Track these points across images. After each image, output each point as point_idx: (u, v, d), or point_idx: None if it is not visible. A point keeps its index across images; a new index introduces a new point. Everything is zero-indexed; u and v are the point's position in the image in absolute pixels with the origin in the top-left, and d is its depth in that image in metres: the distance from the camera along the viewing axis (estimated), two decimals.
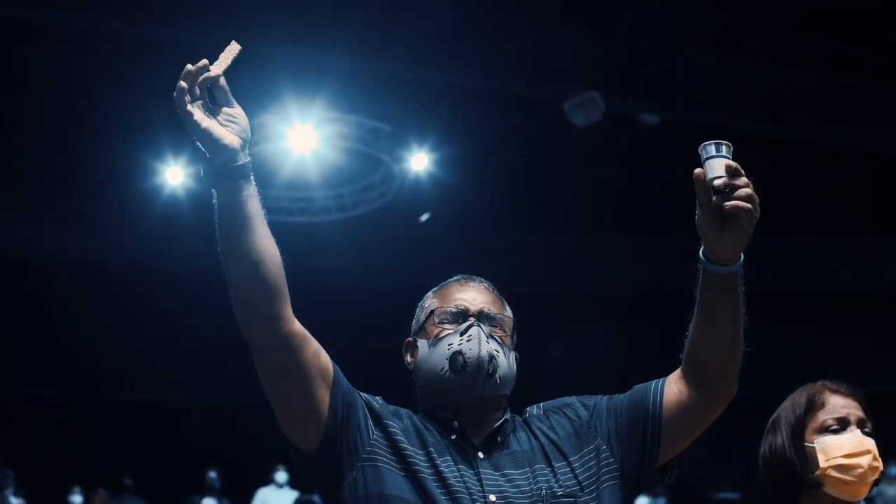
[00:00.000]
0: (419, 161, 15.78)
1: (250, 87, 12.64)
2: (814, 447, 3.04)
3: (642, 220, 17.62)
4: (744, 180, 2.42)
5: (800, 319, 18.38)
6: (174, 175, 15.41)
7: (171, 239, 16.12)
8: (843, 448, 3.01)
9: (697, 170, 2.44)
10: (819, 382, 3.16)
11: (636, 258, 18.34)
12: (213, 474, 15.00)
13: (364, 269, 17.70)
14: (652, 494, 15.56)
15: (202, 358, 16.45)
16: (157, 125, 13.74)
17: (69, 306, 17.18)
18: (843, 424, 3.05)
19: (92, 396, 18.02)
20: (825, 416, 3.07)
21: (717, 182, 2.41)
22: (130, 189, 15.77)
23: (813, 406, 3.09)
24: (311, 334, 2.58)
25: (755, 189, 2.44)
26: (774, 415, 3.17)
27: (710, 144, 2.44)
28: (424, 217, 17.87)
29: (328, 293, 17.47)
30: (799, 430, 3.08)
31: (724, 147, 2.44)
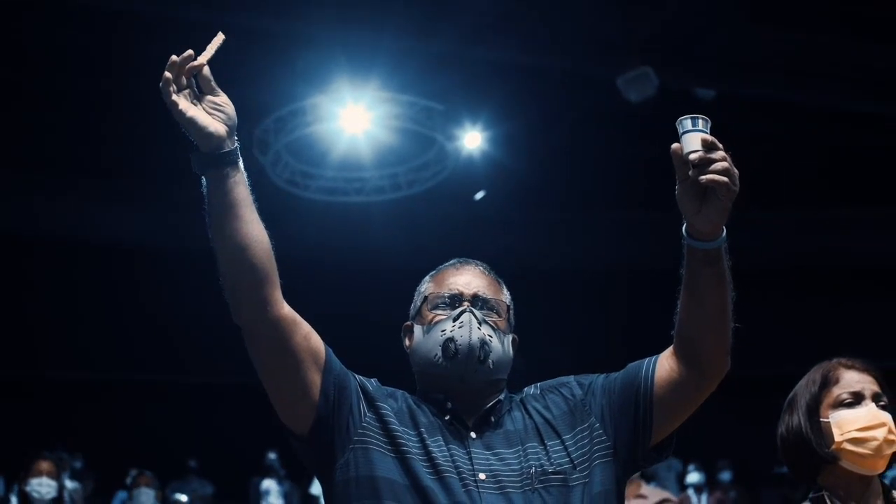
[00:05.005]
0: (472, 139, 15.76)
1: (303, 68, 12.69)
2: (829, 422, 3.05)
3: None
4: (720, 154, 2.39)
5: (855, 294, 18.24)
6: None
7: None
8: (858, 421, 3.02)
9: (675, 145, 2.42)
10: (834, 359, 3.16)
11: None
12: (272, 455, 15.08)
13: (419, 248, 17.70)
14: (702, 470, 15.50)
15: None
16: None
17: (133, 290, 17.34)
18: (857, 398, 3.06)
19: (153, 379, 18.21)
20: (840, 390, 3.07)
21: (693, 156, 2.39)
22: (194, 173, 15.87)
23: (827, 382, 3.10)
24: (301, 316, 2.60)
25: (743, 161, 2.41)
26: (791, 394, 3.19)
27: (687, 119, 2.43)
28: (479, 195, 17.86)
29: (383, 272, 17.52)
30: (814, 407, 3.09)
31: (700, 121, 2.42)
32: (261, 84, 13.35)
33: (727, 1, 12.46)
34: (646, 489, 7.70)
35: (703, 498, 15.18)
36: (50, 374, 17.84)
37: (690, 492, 14.98)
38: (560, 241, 18.34)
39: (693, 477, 15.25)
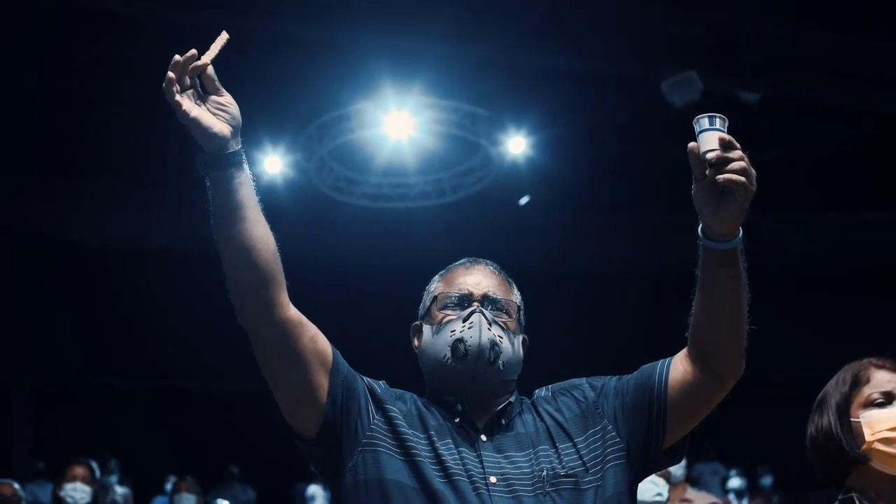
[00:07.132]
0: (517, 144, 15.73)
1: (347, 74, 12.72)
2: (859, 422, 3.00)
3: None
4: (738, 153, 2.39)
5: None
6: (272, 164, 15.48)
7: (271, 228, 16.22)
8: (889, 421, 2.97)
9: (691, 144, 2.41)
10: (864, 359, 3.12)
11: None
12: None
13: (464, 253, 17.54)
14: (744, 475, 15.42)
15: None
16: (255, 114, 13.75)
17: (169, 296, 17.39)
18: (888, 398, 3.02)
19: (194, 385, 18.29)
20: (870, 390, 3.03)
21: (710, 155, 2.38)
22: None
23: (858, 382, 3.06)
24: (308, 319, 2.60)
25: (752, 162, 2.39)
26: (820, 395, 3.14)
27: (704, 118, 2.43)
28: (524, 200, 17.83)
29: (428, 277, 17.49)
30: (844, 407, 3.04)
31: (717, 120, 2.42)
32: (305, 90, 13.38)
33: (772, 3, 12.37)
34: (691, 493, 7.68)
35: (745, 503, 15.12)
36: (90, 380, 17.95)
37: (731, 496, 14.92)
38: (606, 246, 18.28)
39: (734, 482, 15.19)
